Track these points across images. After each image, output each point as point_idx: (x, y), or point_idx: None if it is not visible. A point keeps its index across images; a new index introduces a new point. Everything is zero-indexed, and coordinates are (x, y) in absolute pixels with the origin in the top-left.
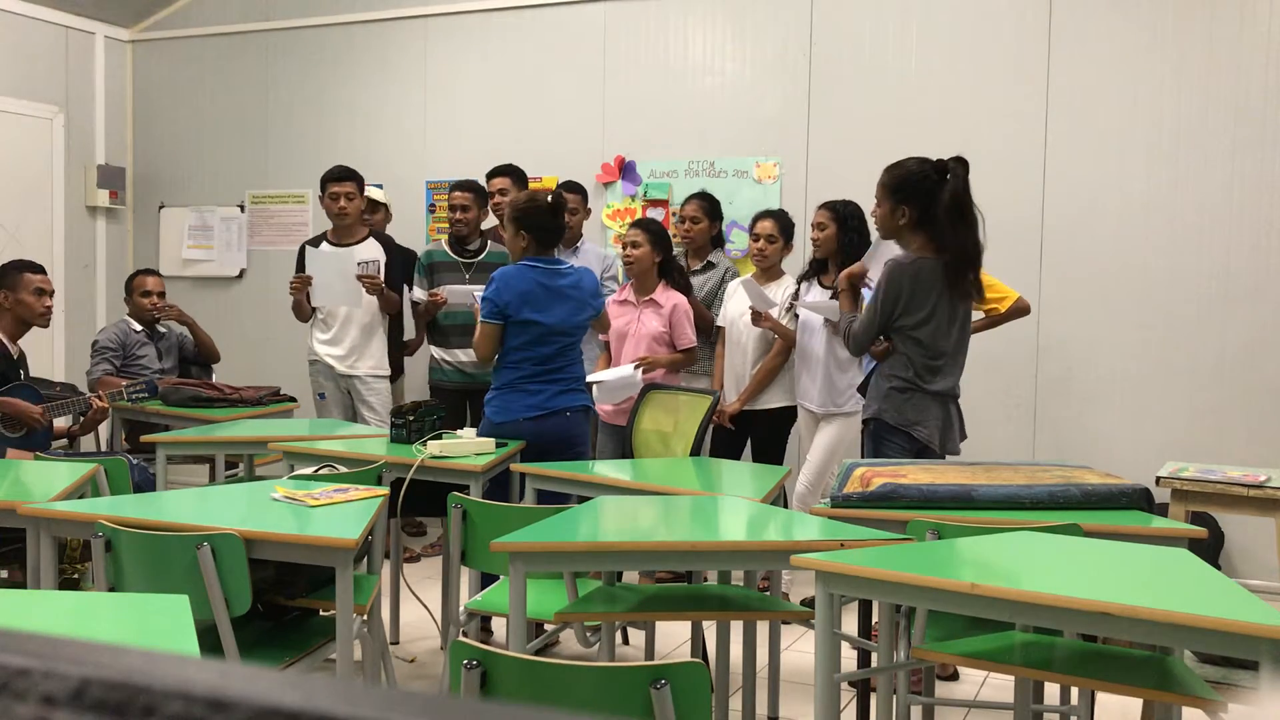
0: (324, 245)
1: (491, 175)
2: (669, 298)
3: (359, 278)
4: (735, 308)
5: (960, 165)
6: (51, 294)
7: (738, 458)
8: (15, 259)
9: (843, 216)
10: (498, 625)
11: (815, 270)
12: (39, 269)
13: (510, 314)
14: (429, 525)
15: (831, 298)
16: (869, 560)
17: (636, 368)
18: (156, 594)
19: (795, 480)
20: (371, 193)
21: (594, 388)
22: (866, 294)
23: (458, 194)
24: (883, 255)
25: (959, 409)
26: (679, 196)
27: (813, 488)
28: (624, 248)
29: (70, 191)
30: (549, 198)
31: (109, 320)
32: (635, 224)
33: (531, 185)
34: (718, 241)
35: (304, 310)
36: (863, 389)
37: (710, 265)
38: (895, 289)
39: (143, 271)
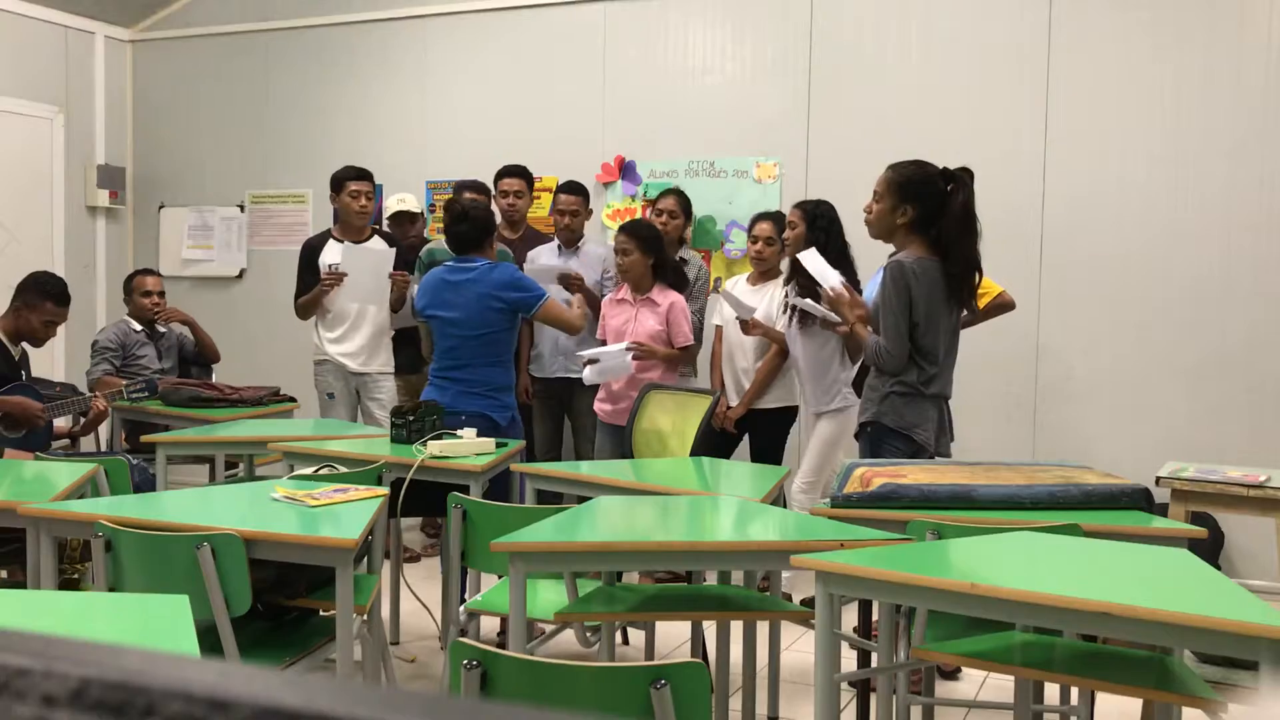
0: (330, 242)
1: (502, 175)
2: (666, 296)
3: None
4: (730, 309)
5: (968, 175)
6: (59, 324)
7: (728, 456)
8: (50, 278)
9: (812, 216)
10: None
11: (796, 271)
12: (65, 301)
13: (423, 310)
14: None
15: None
16: (869, 560)
17: (628, 350)
18: (156, 594)
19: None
20: (407, 203)
21: (586, 366)
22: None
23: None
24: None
25: (949, 410)
26: None
27: (807, 486)
28: (616, 255)
29: (70, 191)
30: (458, 204)
31: (109, 320)
32: (624, 229)
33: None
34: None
35: (315, 308)
36: (857, 389)
37: (684, 262)
38: (903, 288)
39: (142, 271)
